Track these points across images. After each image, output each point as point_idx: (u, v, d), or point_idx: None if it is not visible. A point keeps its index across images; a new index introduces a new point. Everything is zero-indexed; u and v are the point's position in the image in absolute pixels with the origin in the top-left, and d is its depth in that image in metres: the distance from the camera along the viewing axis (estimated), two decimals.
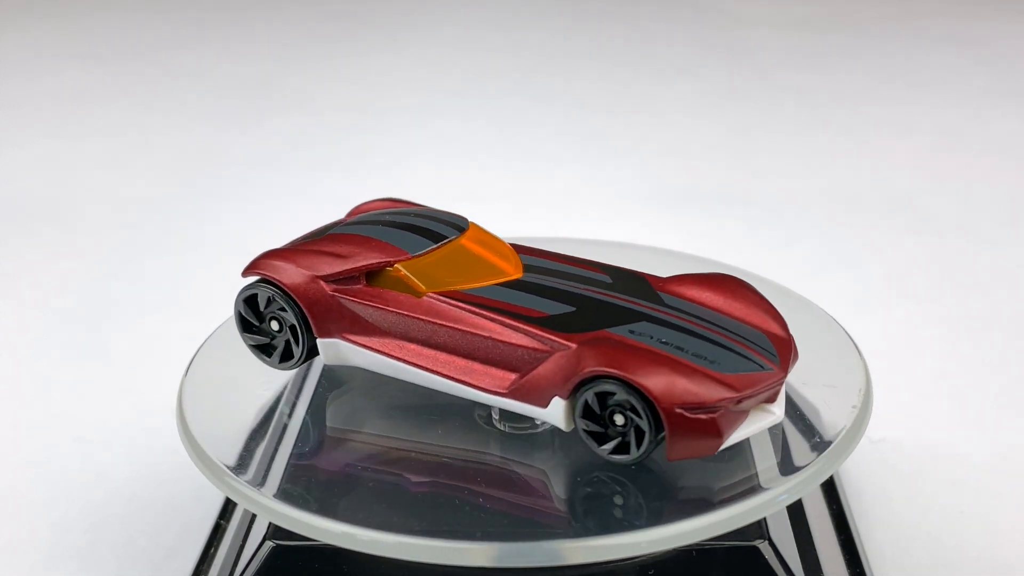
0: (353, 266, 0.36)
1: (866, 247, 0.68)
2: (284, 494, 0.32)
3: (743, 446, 0.34)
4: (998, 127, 0.88)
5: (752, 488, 0.32)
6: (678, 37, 1.16)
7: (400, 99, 0.98)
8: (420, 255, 0.36)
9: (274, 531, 0.34)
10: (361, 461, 0.35)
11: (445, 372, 0.34)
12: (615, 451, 0.32)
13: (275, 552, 0.34)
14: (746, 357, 0.33)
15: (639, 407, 0.31)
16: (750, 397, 0.32)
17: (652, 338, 0.32)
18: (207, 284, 0.64)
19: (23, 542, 0.44)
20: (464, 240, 0.37)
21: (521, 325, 0.33)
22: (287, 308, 0.36)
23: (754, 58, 1.08)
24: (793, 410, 0.36)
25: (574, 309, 0.34)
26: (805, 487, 0.32)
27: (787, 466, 0.33)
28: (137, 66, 1.09)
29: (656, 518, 0.31)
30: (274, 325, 0.37)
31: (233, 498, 0.33)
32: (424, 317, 0.34)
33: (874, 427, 0.47)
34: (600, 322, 0.33)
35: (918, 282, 0.64)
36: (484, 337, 0.34)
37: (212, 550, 0.41)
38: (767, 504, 0.31)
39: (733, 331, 0.34)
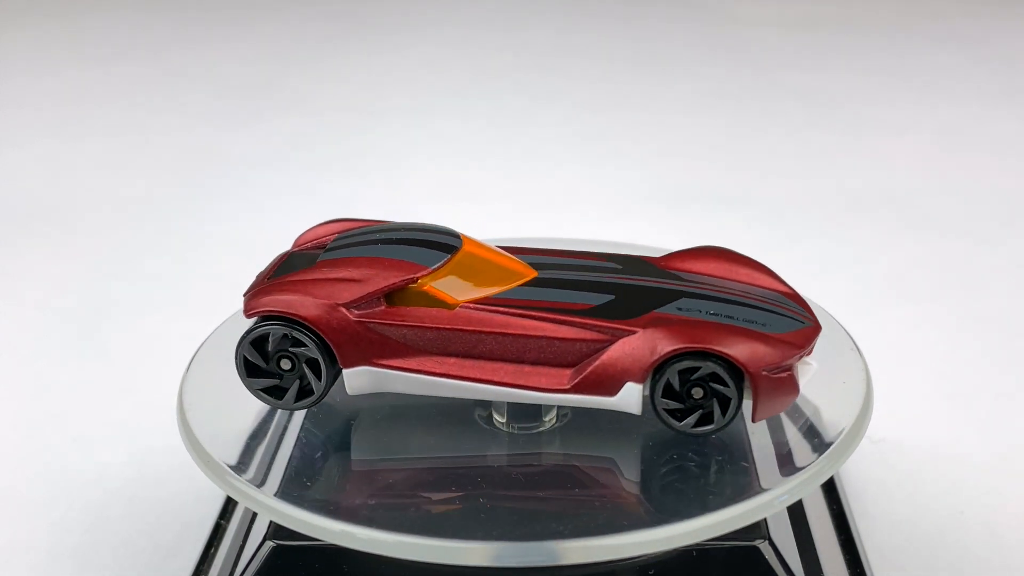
0: (374, 288, 0.34)
1: (866, 247, 0.68)
2: (285, 493, 0.32)
3: (743, 446, 0.34)
4: (998, 127, 0.88)
5: (752, 489, 0.32)
6: (678, 37, 1.16)
7: (400, 99, 0.98)
8: (439, 267, 0.34)
9: (274, 531, 0.34)
10: (361, 461, 0.35)
11: (496, 379, 0.33)
12: (697, 424, 0.33)
13: (275, 552, 0.34)
14: (786, 316, 0.34)
15: (726, 377, 0.32)
16: (808, 351, 0.33)
17: (701, 312, 0.33)
18: (207, 284, 0.64)
19: (23, 542, 0.44)
20: (467, 248, 0.36)
21: (574, 319, 0.33)
22: (307, 343, 0.34)
23: (754, 58, 1.08)
24: (793, 410, 0.36)
25: (613, 296, 0.34)
26: (805, 488, 0.32)
27: (787, 467, 0.33)
28: (137, 66, 1.09)
29: (656, 518, 0.31)
30: (284, 364, 0.35)
31: (234, 497, 0.33)
32: (466, 328, 0.33)
33: (874, 427, 0.47)
34: (645, 305, 0.34)
35: (918, 282, 0.64)
36: (537, 337, 0.33)
37: (212, 550, 0.41)
38: (767, 505, 0.31)
39: (756, 295, 0.35)
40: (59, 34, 1.20)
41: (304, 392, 0.35)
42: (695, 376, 0.32)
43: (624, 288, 0.35)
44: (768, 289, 0.36)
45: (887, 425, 0.48)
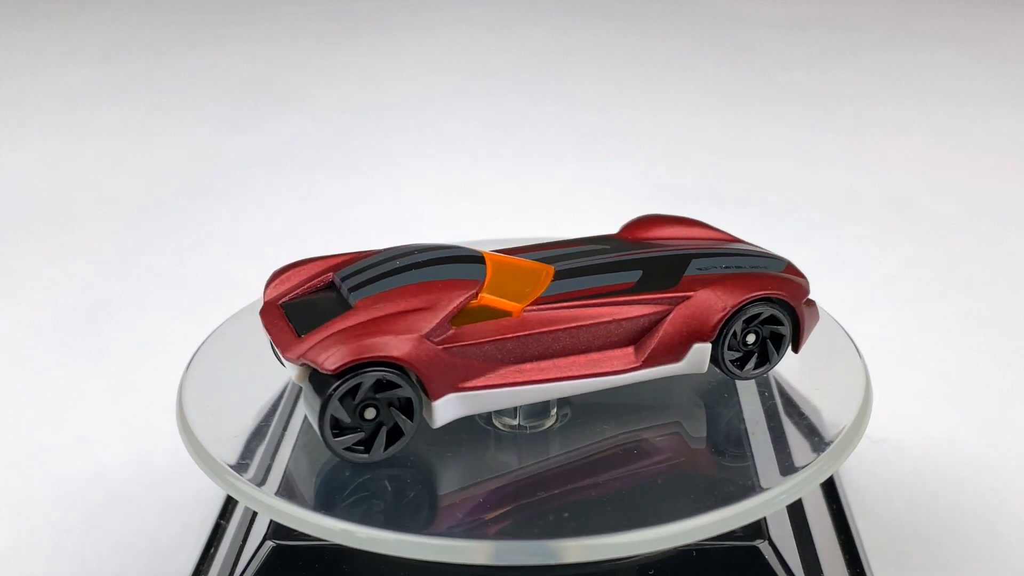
0: (446, 312, 0.32)
1: (866, 247, 0.68)
2: (285, 492, 0.32)
3: (743, 446, 0.34)
4: (998, 127, 0.88)
5: (752, 488, 0.32)
6: (678, 37, 1.16)
7: (400, 99, 0.98)
8: (486, 279, 0.34)
9: (274, 531, 0.34)
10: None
11: (573, 374, 0.33)
12: (755, 367, 0.36)
13: (275, 552, 0.34)
14: (768, 257, 0.38)
15: (782, 316, 0.35)
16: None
17: (718, 268, 0.36)
18: (207, 284, 0.64)
19: (23, 542, 0.44)
20: (487, 256, 0.36)
21: (632, 297, 0.34)
22: (401, 383, 0.32)
23: (755, 58, 1.08)
24: (793, 410, 0.36)
25: (642, 271, 0.35)
26: (805, 487, 0.32)
27: (787, 466, 0.33)
28: (137, 66, 1.09)
29: (656, 517, 0.31)
30: (368, 414, 0.32)
31: (234, 496, 0.33)
32: (542, 330, 0.33)
33: (874, 427, 0.47)
34: (674, 272, 0.35)
35: (918, 282, 0.64)
36: (607, 323, 0.34)
37: (212, 550, 0.41)
38: (767, 504, 0.31)
39: (731, 248, 0.38)
40: (59, 34, 1.20)
41: (393, 435, 0.32)
42: (756, 322, 0.35)
43: (641, 262, 0.36)
44: (722, 240, 0.39)
45: (887, 425, 0.48)
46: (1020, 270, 0.65)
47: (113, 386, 0.54)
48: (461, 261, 0.34)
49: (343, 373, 0.31)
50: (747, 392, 0.38)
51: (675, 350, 0.34)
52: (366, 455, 0.32)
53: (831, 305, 0.43)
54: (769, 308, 0.35)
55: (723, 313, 0.34)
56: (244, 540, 0.39)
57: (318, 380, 0.31)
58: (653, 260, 0.36)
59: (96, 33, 1.21)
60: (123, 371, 0.56)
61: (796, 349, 0.36)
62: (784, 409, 0.37)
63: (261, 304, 0.35)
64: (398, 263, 0.34)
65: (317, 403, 0.31)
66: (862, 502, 0.44)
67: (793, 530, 0.37)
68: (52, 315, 0.62)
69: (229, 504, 0.43)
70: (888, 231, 0.70)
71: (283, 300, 0.35)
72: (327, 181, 0.80)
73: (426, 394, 0.32)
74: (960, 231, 0.70)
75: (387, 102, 0.97)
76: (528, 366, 0.33)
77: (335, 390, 0.31)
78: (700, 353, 0.34)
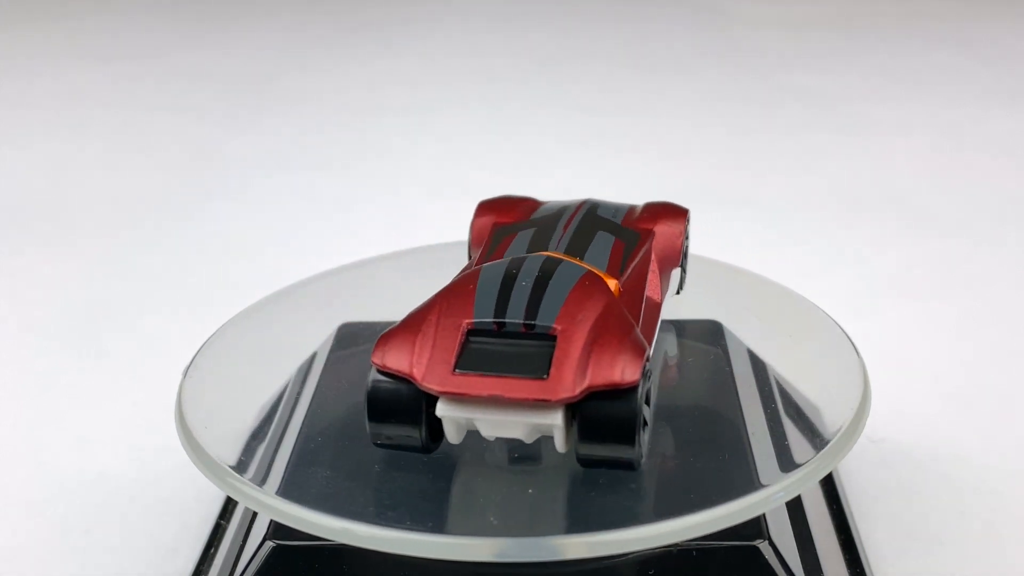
0: (643, 304, 0.35)
1: (866, 247, 0.68)
2: (285, 491, 0.32)
3: (743, 445, 0.34)
4: (998, 127, 0.88)
5: (751, 485, 0.32)
6: (678, 37, 1.16)
7: (400, 99, 0.98)
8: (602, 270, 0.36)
9: (274, 531, 0.34)
10: (361, 459, 0.35)
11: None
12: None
13: (275, 552, 0.34)
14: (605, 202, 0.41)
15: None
16: None
17: (619, 208, 0.41)
18: (207, 284, 0.64)
19: (23, 542, 0.44)
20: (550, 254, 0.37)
21: (632, 255, 0.37)
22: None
23: (755, 58, 1.08)
24: (792, 409, 0.36)
25: (614, 236, 0.38)
26: (804, 484, 0.32)
27: (786, 463, 0.33)
28: (137, 66, 1.09)
29: (656, 514, 0.31)
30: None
31: (234, 497, 0.33)
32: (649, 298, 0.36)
33: (874, 427, 0.47)
34: (613, 226, 0.39)
35: (918, 282, 0.64)
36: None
37: (212, 550, 0.41)
38: (766, 500, 0.31)
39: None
40: (59, 34, 1.20)
41: None
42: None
43: (600, 226, 0.38)
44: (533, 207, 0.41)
45: (887, 425, 0.48)
46: (1020, 270, 0.65)
47: (113, 386, 0.54)
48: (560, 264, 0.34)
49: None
50: (747, 390, 0.38)
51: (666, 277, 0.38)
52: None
53: (831, 305, 0.43)
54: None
55: (681, 237, 0.39)
56: (244, 540, 0.39)
57: (613, 398, 0.30)
58: (604, 223, 0.38)
59: (96, 33, 1.21)
60: (123, 371, 0.56)
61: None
62: (783, 407, 0.37)
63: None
64: (524, 283, 0.33)
65: (631, 415, 0.30)
66: (862, 502, 0.44)
67: (793, 530, 0.37)
68: (52, 315, 0.62)
69: (229, 504, 0.43)
70: (888, 231, 0.70)
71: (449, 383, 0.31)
72: (327, 181, 0.80)
73: None
74: (960, 231, 0.70)
75: (387, 102, 0.97)
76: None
77: (640, 394, 0.30)
78: (675, 278, 0.39)
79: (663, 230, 0.39)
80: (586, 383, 0.30)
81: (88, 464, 0.48)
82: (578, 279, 0.33)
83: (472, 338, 0.31)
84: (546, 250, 0.36)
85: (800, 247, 0.68)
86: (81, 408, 0.53)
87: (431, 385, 0.31)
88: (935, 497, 0.45)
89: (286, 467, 0.34)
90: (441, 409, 0.31)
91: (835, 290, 0.61)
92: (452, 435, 0.32)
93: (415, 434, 0.32)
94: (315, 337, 0.43)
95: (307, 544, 0.34)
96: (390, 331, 0.32)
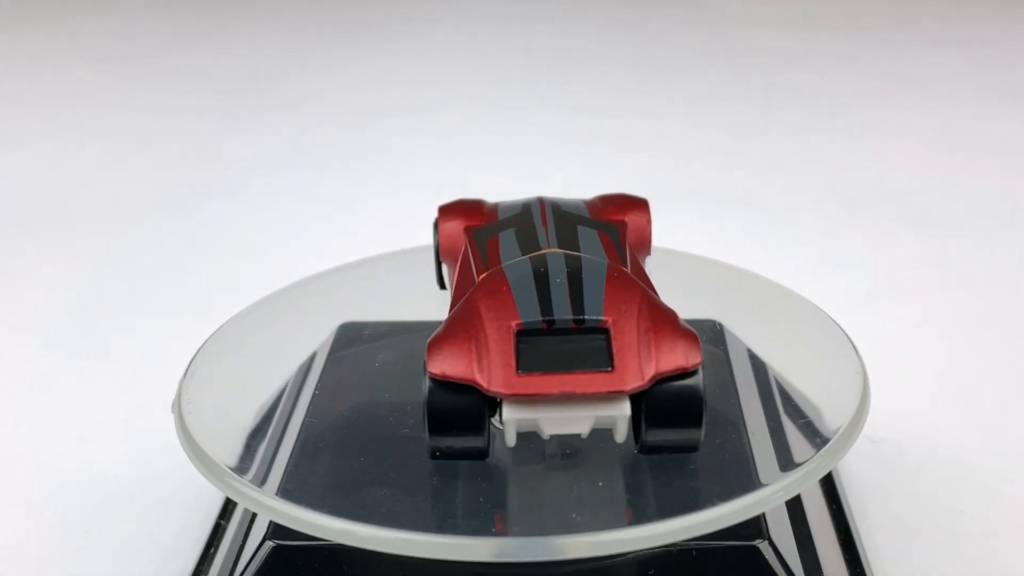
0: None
1: (866, 247, 0.68)
2: (285, 492, 0.32)
3: (742, 443, 0.34)
4: (998, 127, 0.88)
5: (751, 485, 0.32)
6: (679, 38, 1.16)
7: (400, 99, 0.98)
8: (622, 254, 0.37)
9: (274, 531, 0.34)
10: (361, 459, 0.35)
11: None
12: None
13: (275, 552, 0.34)
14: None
15: None
16: None
17: (579, 201, 0.41)
18: (207, 284, 0.64)
19: (23, 542, 0.44)
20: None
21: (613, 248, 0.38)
22: None
23: (755, 59, 1.08)
24: (792, 408, 0.36)
25: (593, 229, 0.39)
26: (804, 483, 0.32)
27: (786, 463, 0.33)
28: (137, 66, 1.09)
29: (657, 514, 0.31)
30: None
31: (234, 498, 0.33)
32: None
33: (874, 427, 0.47)
34: (583, 220, 0.39)
35: (918, 282, 0.64)
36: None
37: (212, 550, 0.41)
38: (766, 500, 0.31)
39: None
40: (59, 34, 1.20)
41: None
42: None
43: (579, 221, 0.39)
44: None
45: (887, 425, 0.48)
46: (1020, 270, 0.65)
47: (113, 386, 0.54)
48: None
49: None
50: (747, 390, 0.38)
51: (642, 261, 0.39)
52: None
53: (831, 305, 0.43)
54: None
55: (649, 226, 0.40)
56: (244, 540, 0.39)
57: (680, 383, 0.31)
58: (579, 219, 0.38)
59: (96, 33, 1.21)
60: (123, 371, 0.56)
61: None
62: (783, 407, 0.37)
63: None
64: (558, 280, 0.33)
65: (699, 397, 0.31)
66: (862, 502, 0.44)
67: (793, 530, 0.37)
68: (52, 315, 0.62)
69: (229, 504, 0.43)
70: (888, 231, 0.70)
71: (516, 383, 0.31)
72: (327, 181, 0.80)
73: None
74: (960, 231, 0.70)
75: (388, 102, 0.97)
76: None
77: (702, 376, 0.31)
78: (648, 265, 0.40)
79: (633, 220, 0.40)
80: (654, 370, 0.31)
81: (88, 464, 0.48)
82: (607, 272, 0.33)
83: (523, 338, 0.31)
84: (539, 248, 0.36)
85: (800, 247, 0.68)
86: (81, 408, 0.53)
87: (498, 389, 0.30)
88: (935, 497, 0.45)
89: (286, 467, 0.34)
90: (508, 412, 0.31)
91: (835, 290, 0.61)
92: (511, 438, 0.31)
93: (479, 442, 0.31)
94: (315, 337, 0.43)
95: (307, 544, 0.34)
96: (438, 339, 0.31)
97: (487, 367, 0.30)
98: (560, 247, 0.36)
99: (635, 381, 0.30)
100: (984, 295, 0.62)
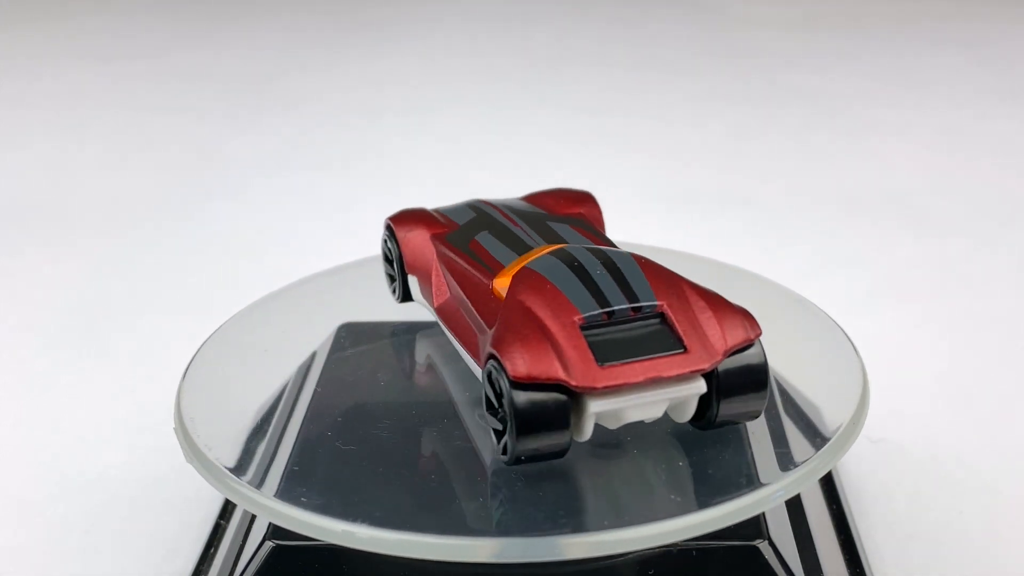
0: None
1: (866, 247, 0.68)
2: (284, 494, 0.32)
3: (742, 443, 0.34)
4: (998, 127, 0.88)
5: (751, 484, 0.32)
6: (679, 38, 1.16)
7: (400, 99, 0.98)
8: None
9: (274, 531, 0.34)
10: (361, 460, 0.35)
11: None
12: None
13: (275, 552, 0.34)
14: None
15: None
16: None
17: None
18: (207, 284, 0.64)
19: (23, 542, 0.44)
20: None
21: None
22: None
23: (755, 59, 1.08)
24: (792, 408, 0.36)
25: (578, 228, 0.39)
26: (803, 482, 0.32)
27: (785, 462, 0.33)
28: (137, 66, 1.09)
29: (657, 514, 0.31)
30: None
31: (232, 499, 0.33)
32: None
33: (874, 427, 0.47)
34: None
35: (918, 282, 0.64)
36: None
37: (212, 550, 0.41)
38: (766, 499, 0.31)
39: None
40: (59, 34, 1.20)
41: None
42: None
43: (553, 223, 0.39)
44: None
45: (887, 425, 0.48)
46: (1020, 270, 0.65)
47: (113, 386, 0.54)
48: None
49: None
50: None
51: None
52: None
53: (831, 305, 0.43)
54: None
55: (602, 217, 0.41)
56: (244, 540, 0.38)
57: (745, 354, 0.32)
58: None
59: (96, 33, 1.21)
60: (123, 371, 0.56)
61: None
62: (783, 406, 0.37)
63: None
64: (599, 272, 0.33)
65: (764, 364, 0.32)
66: (862, 502, 0.44)
67: (793, 530, 0.37)
68: (52, 315, 0.62)
69: (229, 504, 0.43)
70: (888, 231, 0.70)
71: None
72: (327, 181, 0.80)
73: None
74: (960, 231, 0.70)
75: (388, 102, 0.97)
76: None
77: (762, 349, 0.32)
78: None
79: (589, 213, 0.41)
80: (726, 345, 0.32)
81: (88, 464, 0.48)
82: (636, 260, 0.33)
83: (589, 332, 0.31)
84: (527, 246, 0.36)
85: (800, 247, 0.68)
86: (81, 408, 0.53)
87: (588, 383, 0.30)
88: (935, 497, 0.45)
89: (285, 468, 0.34)
90: (594, 405, 0.31)
91: (835, 290, 0.61)
92: (589, 431, 0.31)
93: (564, 439, 0.31)
94: (315, 337, 0.43)
95: (307, 544, 0.34)
96: (507, 343, 0.31)
97: (567, 364, 0.30)
98: (547, 243, 0.36)
99: (712, 358, 0.31)
100: (984, 295, 0.62)
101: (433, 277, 0.38)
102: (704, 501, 0.31)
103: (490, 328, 0.33)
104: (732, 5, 1.26)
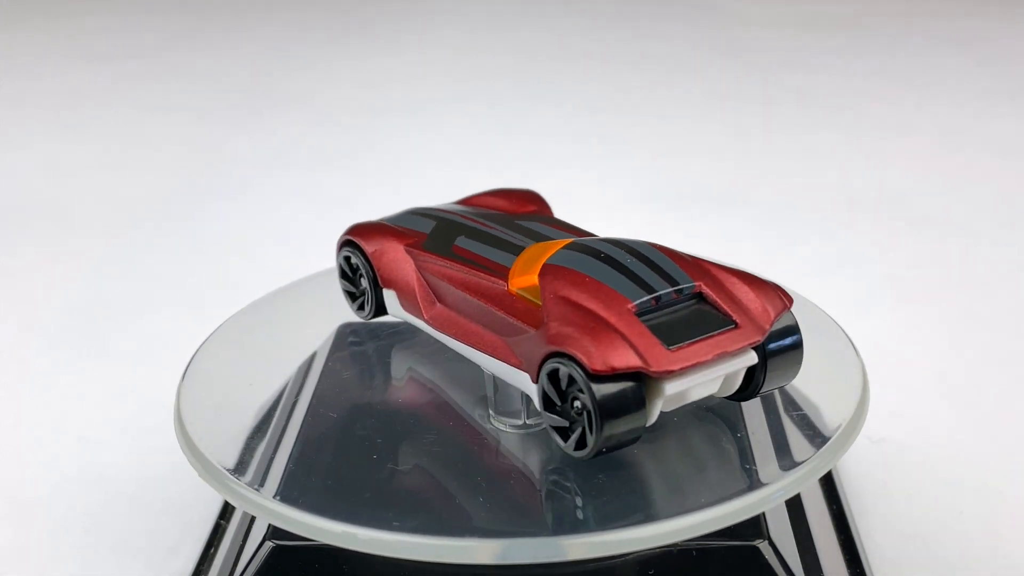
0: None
1: (866, 247, 0.68)
2: (284, 495, 0.32)
3: (742, 442, 0.34)
4: (998, 127, 0.88)
5: (751, 484, 0.32)
6: (679, 38, 1.16)
7: (400, 99, 0.98)
8: None
9: (274, 531, 0.34)
10: (361, 461, 0.35)
11: None
12: None
13: (275, 552, 0.34)
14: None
15: None
16: None
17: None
18: (207, 284, 0.64)
19: (23, 542, 0.44)
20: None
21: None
22: None
23: (755, 59, 1.08)
24: (792, 408, 0.36)
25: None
26: (803, 482, 0.32)
27: (786, 462, 0.33)
28: (137, 66, 1.09)
29: (657, 514, 0.31)
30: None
31: (231, 501, 0.33)
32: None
33: (874, 427, 0.47)
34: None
35: (918, 282, 0.64)
36: None
37: (212, 550, 0.41)
38: (766, 499, 0.31)
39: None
40: (59, 34, 1.20)
41: None
42: None
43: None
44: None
45: (887, 425, 0.48)
46: (1020, 270, 0.65)
47: (113, 386, 0.54)
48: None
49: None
50: None
51: None
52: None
53: (831, 305, 0.43)
54: None
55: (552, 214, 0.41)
56: (244, 540, 0.39)
57: (782, 322, 0.33)
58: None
59: (96, 33, 1.21)
60: (123, 371, 0.56)
61: None
62: (783, 406, 0.37)
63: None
64: (630, 260, 0.34)
65: (798, 328, 0.33)
66: (862, 502, 0.44)
67: (793, 530, 0.37)
68: (52, 315, 0.62)
69: (229, 504, 0.43)
70: (887, 231, 0.70)
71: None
72: (327, 180, 0.80)
73: None
74: (960, 231, 0.70)
75: (388, 102, 0.97)
76: None
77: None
78: None
79: (543, 211, 0.41)
80: (772, 315, 0.33)
81: (88, 464, 0.48)
82: (653, 246, 0.34)
83: (645, 318, 0.32)
84: (517, 246, 0.36)
85: (800, 247, 0.68)
86: (81, 408, 0.53)
87: (666, 367, 0.31)
88: (935, 497, 0.45)
89: (285, 469, 0.34)
90: (670, 387, 0.31)
91: (835, 290, 0.61)
92: (656, 415, 0.32)
93: (641, 424, 0.31)
94: (315, 337, 0.43)
95: (307, 544, 0.34)
96: (575, 339, 0.31)
97: (640, 352, 0.31)
98: (534, 241, 0.36)
99: (762, 330, 0.32)
100: (984, 295, 0.62)
101: (417, 288, 0.38)
102: (704, 501, 0.31)
103: (529, 328, 0.33)
104: (732, 4, 1.26)
